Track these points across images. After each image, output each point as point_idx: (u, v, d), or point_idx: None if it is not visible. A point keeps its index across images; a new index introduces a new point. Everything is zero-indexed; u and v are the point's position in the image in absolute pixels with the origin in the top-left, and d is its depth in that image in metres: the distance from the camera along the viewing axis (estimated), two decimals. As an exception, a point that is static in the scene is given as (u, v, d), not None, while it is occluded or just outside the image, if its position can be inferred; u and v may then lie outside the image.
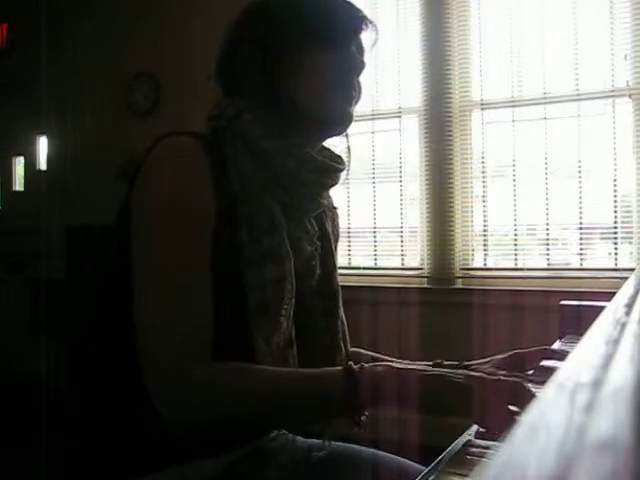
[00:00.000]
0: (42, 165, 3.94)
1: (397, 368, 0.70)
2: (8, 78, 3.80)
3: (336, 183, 0.90)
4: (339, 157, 0.93)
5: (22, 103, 3.79)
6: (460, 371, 0.70)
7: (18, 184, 4.10)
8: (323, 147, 0.92)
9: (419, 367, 0.71)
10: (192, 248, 0.75)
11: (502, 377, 0.67)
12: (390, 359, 1.02)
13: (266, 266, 0.78)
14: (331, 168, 0.87)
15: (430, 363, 0.96)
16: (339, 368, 0.71)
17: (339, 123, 0.89)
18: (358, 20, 0.88)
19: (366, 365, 0.70)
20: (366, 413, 0.70)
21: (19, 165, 4.09)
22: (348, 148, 0.96)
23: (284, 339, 0.83)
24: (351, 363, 0.71)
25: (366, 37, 0.90)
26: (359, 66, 0.87)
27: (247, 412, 0.72)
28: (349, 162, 0.94)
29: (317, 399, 0.72)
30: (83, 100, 3.65)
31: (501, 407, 0.63)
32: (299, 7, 0.86)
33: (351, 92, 0.87)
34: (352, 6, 0.89)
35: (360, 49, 0.89)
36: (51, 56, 3.64)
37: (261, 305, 0.77)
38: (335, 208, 1.04)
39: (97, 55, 3.62)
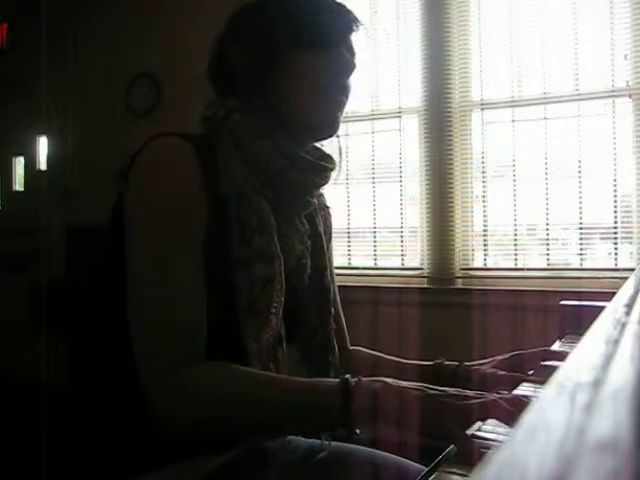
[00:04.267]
0: (42, 165, 3.93)
1: (394, 386, 0.68)
2: (8, 78, 3.80)
3: (326, 182, 0.90)
4: (329, 156, 0.93)
5: (22, 103, 3.79)
6: (451, 390, 0.68)
7: (18, 184, 4.10)
8: (314, 147, 0.92)
9: (417, 386, 0.68)
10: (184, 249, 0.76)
11: (475, 396, 0.65)
12: (390, 357, 1.02)
13: (256, 265, 0.79)
14: (320, 167, 0.88)
15: (431, 363, 0.97)
16: (335, 380, 0.70)
17: (326, 128, 0.88)
18: (348, 22, 0.87)
19: (363, 379, 0.69)
20: (357, 431, 0.68)
21: (19, 165, 4.08)
22: (339, 149, 0.95)
23: (273, 337, 0.83)
24: (348, 376, 0.69)
25: (357, 39, 0.89)
26: (349, 68, 0.86)
27: (240, 416, 0.73)
28: (340, 162, 0.94)
29: (311, 410, 0.71)
30: (83, 100, 3.65)
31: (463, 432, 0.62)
32: (288, 8, 0.86)
33: (340, 96, 0.87)
34: (342, 7, 0.88)
35: (351, 50, 0.89)
36: (51, 56, 3.63)
37: (251, 304, 0.78)
38: (328, 207, 1.05)
39: (97, 55, 3.62)
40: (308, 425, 0.75)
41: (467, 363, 0.94)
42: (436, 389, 0.68)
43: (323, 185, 0.91)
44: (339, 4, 0.88)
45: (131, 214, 0.77)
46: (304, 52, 0.84)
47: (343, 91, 0.87)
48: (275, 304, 0.81)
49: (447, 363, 0.96)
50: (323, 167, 0.88)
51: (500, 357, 0.94)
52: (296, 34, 0.84)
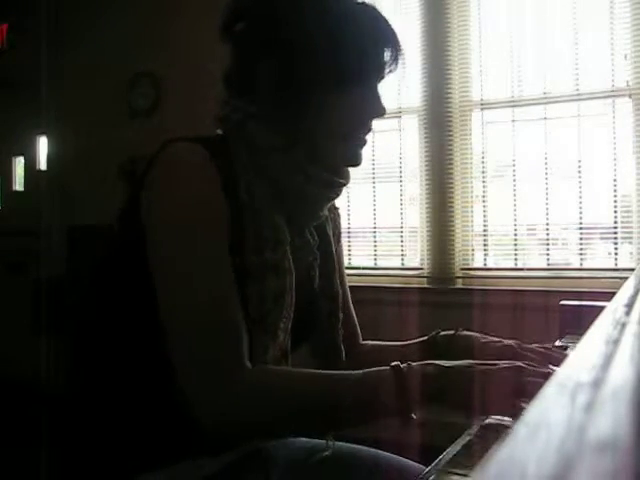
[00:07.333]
0: (42, 165, 3.93)
1: (445, 367, 0.69)
2: (8, 78, 3.80)
3: (338, 196, 0.89)
4: (344, 169, 0.90)
5: (22, 103, 3.79)
6: (472, 363, 0.70)
7: (18, 184, 4.10)
8: None
9: (463, 364, 0.70)
10: (217, 253, 0.74)
11: (504, 366, 0.68)
12: (391, 343, 1.04)
13: (267, 279, 0.77)
14: (336, 184, 0.86)
15: (425, 338, 0.98)
16: (386, 368, 0.70)
17: (349, 165, 0.87)
18: (391, 59, 0.83)
19: (414, 364, 0.70)
20: (414, 415, 0.68)
21: (19, 165, 4.08)
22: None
23: (280, 351, 0.82)
24: (398, 363, 0.70)
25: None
26: (380, 113, 0.84)
27: (294, 415, 0.72)
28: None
29: (366, 400, 0.70)
30: (83, 100, 3.65)
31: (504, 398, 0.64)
32: (333, 28, 0.79)
33: (365, 137, 0.85)
34: (389, 35, 0.82)
35: (381, 79, 0.85)
36: (51, 56, 3.63)
37: (260, 317, 0.77)
38: (337, 209, 1.04)
39: (97, 55, 3.62)
40: (364, 415, 0.72)
41: (462, 333, 0.97)
42: (481, 363, 0.69)
43: (336, 198, 0.90)
44: (388, 29, 0.82)
45: (155, 219, 0.74)
46: (340, 86, 0.80)
47: (368, 132, 0.85)
48: (284, 319, 0.80)
49: (442, 333, 0.99)
50: (339, 183, 0.86)
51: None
52: (336, 65, 0.79)
